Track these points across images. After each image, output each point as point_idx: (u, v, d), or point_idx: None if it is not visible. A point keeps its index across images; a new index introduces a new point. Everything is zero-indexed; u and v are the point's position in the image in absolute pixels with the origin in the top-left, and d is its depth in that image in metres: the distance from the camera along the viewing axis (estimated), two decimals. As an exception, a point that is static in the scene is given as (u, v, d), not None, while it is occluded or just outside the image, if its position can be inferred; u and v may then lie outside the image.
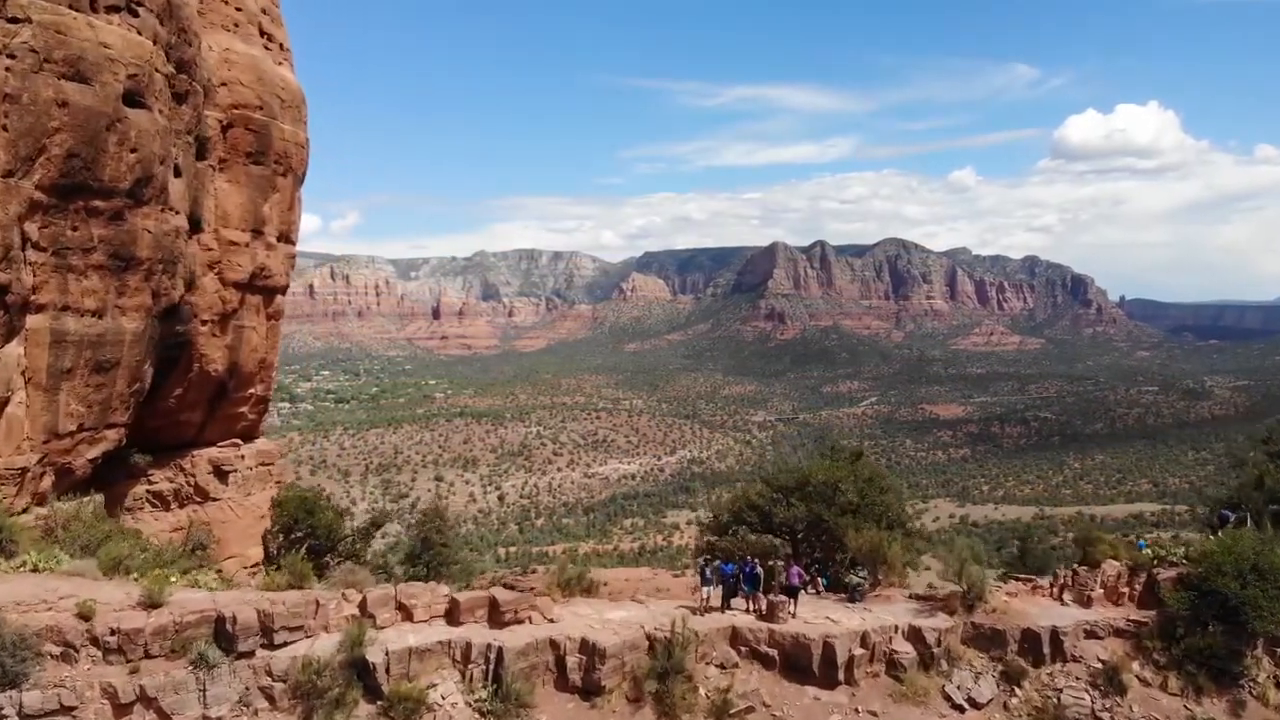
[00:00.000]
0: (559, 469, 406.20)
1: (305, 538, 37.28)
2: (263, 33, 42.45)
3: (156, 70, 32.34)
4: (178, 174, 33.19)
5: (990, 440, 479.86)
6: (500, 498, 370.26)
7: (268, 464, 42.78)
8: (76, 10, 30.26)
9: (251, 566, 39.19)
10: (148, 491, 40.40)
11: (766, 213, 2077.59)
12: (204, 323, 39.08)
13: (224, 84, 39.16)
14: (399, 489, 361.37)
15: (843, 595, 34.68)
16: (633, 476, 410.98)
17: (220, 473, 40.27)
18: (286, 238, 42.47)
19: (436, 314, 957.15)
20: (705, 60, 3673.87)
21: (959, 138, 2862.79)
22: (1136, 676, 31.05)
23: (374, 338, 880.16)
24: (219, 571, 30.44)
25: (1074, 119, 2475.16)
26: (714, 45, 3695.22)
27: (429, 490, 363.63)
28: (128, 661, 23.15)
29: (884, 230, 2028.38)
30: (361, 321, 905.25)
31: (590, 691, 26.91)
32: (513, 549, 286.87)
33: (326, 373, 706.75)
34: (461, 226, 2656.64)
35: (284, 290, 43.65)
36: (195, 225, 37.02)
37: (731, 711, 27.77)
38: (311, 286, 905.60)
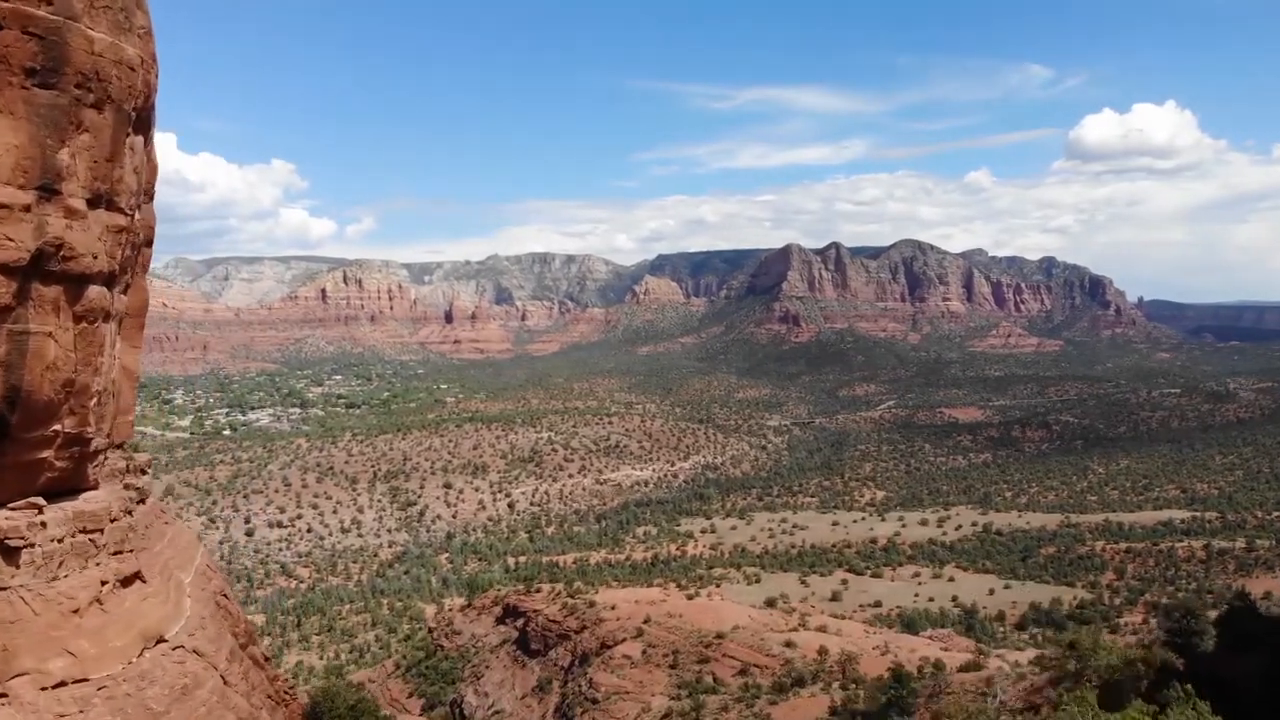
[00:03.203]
0: (570, 475, 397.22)
1: None
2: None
3: None
4: None
5: (1011, 444, 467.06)
6: (510, 505, 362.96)
7: (93, 532, 28.36)
8: None
9: (54, 687, 25.62)
10: (-105, 578, 27.03)
11: (780, 215, 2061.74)
12: (-49, 327, 25.34)
13: (-18, -39, 25.67)
14: (407, 496, 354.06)
15: None
16: (645, 483, 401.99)
17: (5, 549, 26.40)
18: (109, 201, 27.53)
19: (449, 318, 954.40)
20: (719, 62, 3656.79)
21: (974, 138, 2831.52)
22: None
23: (386, 342, 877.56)
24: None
25: (1090, 119, 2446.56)
26: (727, 47, 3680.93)
27: (437, 498, 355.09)
28: None
29: (899, 232, 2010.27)
30: (374, 326, 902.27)
31: None
32: (523, 558, 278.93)
33: (338, 377, 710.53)
34: (475, 230, 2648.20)
35: (106, 279, 27.91)
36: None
37: None
38: (324, 291, 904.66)
